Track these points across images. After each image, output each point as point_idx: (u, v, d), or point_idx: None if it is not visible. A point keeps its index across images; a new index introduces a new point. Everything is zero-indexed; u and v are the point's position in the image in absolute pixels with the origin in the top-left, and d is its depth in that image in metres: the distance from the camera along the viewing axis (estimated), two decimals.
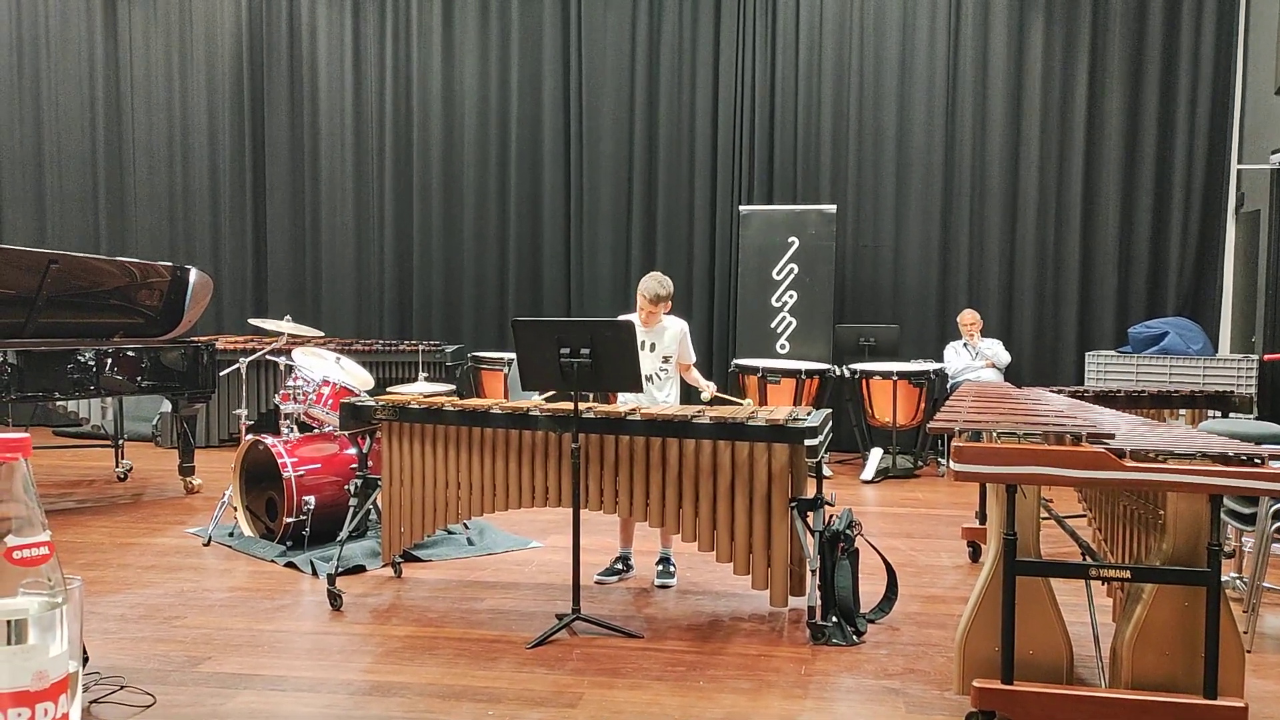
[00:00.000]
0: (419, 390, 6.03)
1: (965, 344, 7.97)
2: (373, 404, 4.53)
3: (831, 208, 8.28)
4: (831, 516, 4.18)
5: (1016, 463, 2.91)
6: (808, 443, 3.96)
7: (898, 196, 8.67)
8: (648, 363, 4.77)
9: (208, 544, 5.34)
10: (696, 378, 4.99)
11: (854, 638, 3.95)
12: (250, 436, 5.44)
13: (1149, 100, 8.34)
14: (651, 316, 4.74)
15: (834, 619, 3.98)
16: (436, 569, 4.97)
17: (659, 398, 4.81)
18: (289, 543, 5.15)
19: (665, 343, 4.82)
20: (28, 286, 6.01)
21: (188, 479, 6.68)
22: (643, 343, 4.75)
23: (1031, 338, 8.56)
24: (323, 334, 6.88)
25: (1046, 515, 4.24)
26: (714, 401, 4.99)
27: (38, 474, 7.15)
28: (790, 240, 8.22)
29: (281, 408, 5.56)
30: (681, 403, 4.90)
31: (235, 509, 5.47)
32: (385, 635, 3.98)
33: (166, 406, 8.28)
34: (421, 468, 4.43)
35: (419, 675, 3.56)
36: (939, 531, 5.86)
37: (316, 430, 5.61)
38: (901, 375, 7.61)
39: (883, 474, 7.55)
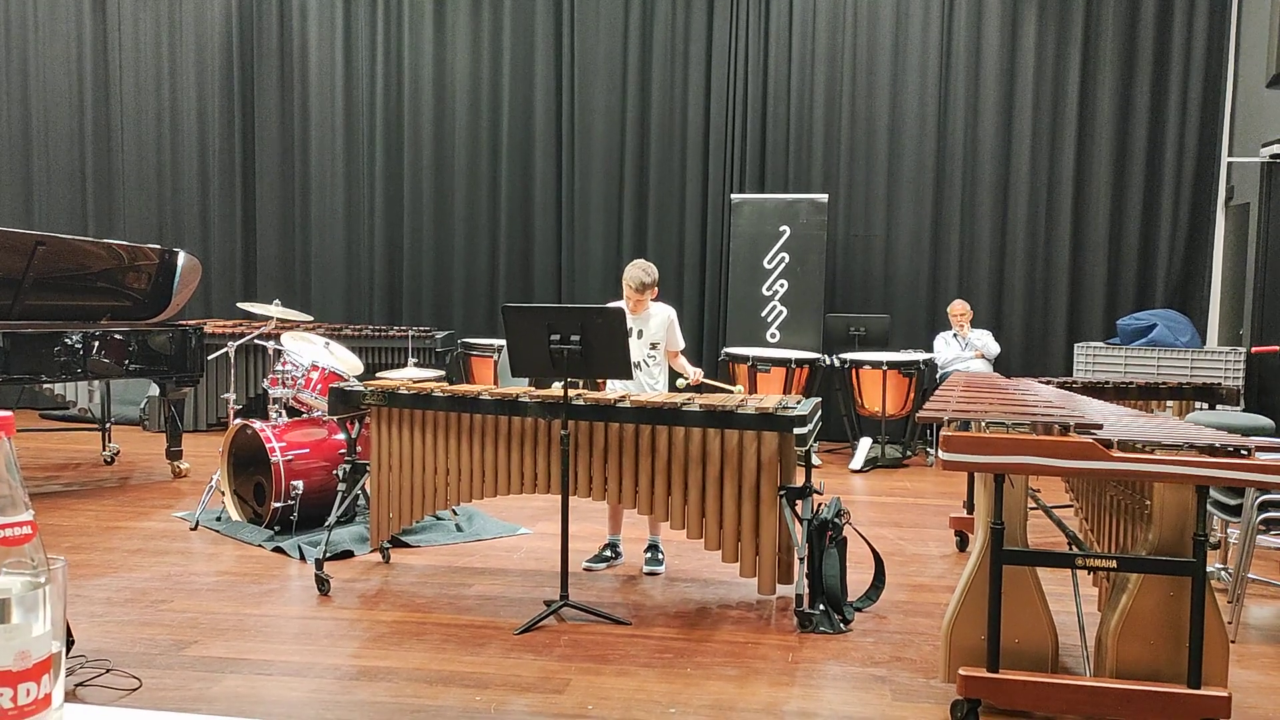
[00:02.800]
0: (408, 376, 6.01)
1: (955, 334, 7.98)
2: (362, 389, 4.51)
3: (823, 197, 8.27)
4: (820, 505, 4.19)
5: (1004, 452, 2.92)
6: (797, 431, 3.97)
7: (889, 187, 8.67)
8: (635, 350, 4.76)
9: (195, 528, 5.32)
10: (683, 364, 4.98)
11: (841, 626, 3.97)
12: (238, 421, 5.42)
13: (1140, 92, 8.35)
14: (639, 304, 4.74)
15: (821, 607, 3.99)
16: (425, 555, 4.96)
17: (648, 385, 4.81)
18: (277, 528, 5.14)
19: (652, 330, 4.82)
20: (14, 268, 5.97)
21: (175, 463, 6.65)
22: (630, 330, 4.75)
23: (1021, 328, 8.59)
24: (312, 318, 6.86)
25: (1034, 505, 4.25)
26: (703, 388, 4.99)
27: (24, 457, 7.13)
28: (782, 229, 8.22)
29: (270, 392, 5.54)
30: (670, 390, 4.91)
31: (223, 493, 5.45)
32: (373, 620, 3.98)
33: (154, 390, 8.25)
34: (410, 453, 4.42)
35: (406, 660, 3.56)
36: (927, 521, 5.88)
37: (305, 415, 5.60)
38: (891, 365, 7.62)
39: (871, 463, 7.56)
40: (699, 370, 5.00)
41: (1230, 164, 8.19)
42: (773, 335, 8.25)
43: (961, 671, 3.03)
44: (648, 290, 4.72)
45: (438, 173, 9.34)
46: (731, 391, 4.80)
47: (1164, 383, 5.81)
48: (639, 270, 4.72)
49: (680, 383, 4.95)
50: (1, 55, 9.73)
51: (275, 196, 9.56)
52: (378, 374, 5.45)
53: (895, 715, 3.20)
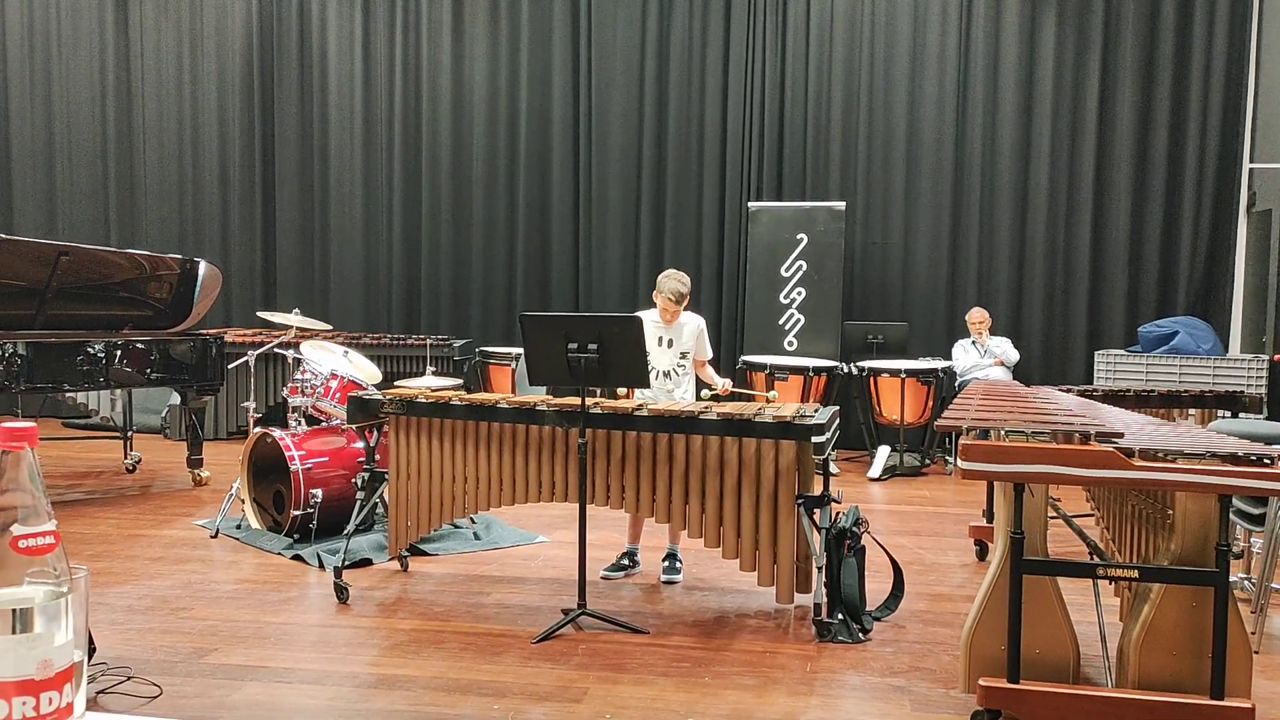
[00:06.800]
0: (426, 384, 6.02)
1: (974, 342, 7.95)
2: (380, 398, 4.53)
3: (841, 205, 8.26)
4: (838, 514, 4.18)
5: (1024, 461, 2.90)
6: (814, 440, 3.96)
7: (907, 194, 8.65)
8: (665, 359, 4.78)
9: (215, 536, 5.35)
10: (711, 375, 4.98)
11: (859, 635, 3.95)
12: (258, 429, 5.45)
13: (1160, 99, 8.30)
14: (673, 315, 4.75)
15: (839, 616, 3.97)
16: (443, 563, 4.97)
17: (676, 394, 4.81)
18: (296, 536, 5.16)
19: (684, 339, 4.82)
20: (38, 278, 6.03)
21: (196, 471, 6.70)
22: (661, 339, 4.76)
23: (1041, 336, 8.54)
24: (331, 327, 6.89)
25: (1054, 514, 4.23)
26: (734, 398, 4.97)
27: (47, 465, 7.18)
28: (799, 237, 8.21)
29: (289, 401, 5.56)
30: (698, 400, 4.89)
31: (243, 501, 5.48)
32: (391, 629, 3.99)
33: (175, 399, 8.31)
34: (428, 462, 4.44)
35: (424, 669, 3.57)
36: (946, 529, 5.85)
37: (324, 424, 5.62)
38: (909, 373, 7.59)
39: (890, 472, 7.53)
40: (728, 381, 4.99)
41: (1252, 170, 8.14)
42: (790, 343, 8.24)
43: (981, 682, 3.01)
44: (683, 301, 4.74)
45: (456, 182, 9.38)
46: (767, 399, 4.77)
47: (1186, 391, 5.76)
48: (675, 281, 4.72)
49: (705, 393, 4.94)
50: (25, 66, 9.84)
51: (295, 206, 9.62)
52: (396, 383, 5.46)
53: None
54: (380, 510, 5.40)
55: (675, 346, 4.81)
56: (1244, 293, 8.19)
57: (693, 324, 4.86)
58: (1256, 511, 4.03)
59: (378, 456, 4.64)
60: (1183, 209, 8.30)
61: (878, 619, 4.15)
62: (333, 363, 5.61)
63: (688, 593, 4.56)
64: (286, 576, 4.68)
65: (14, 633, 0.85)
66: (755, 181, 8.84)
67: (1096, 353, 8.13)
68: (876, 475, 7.44)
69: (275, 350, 6.28)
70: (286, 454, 5.17)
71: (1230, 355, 7.84)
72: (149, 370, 6.34)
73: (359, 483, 4.58)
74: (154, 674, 3.45)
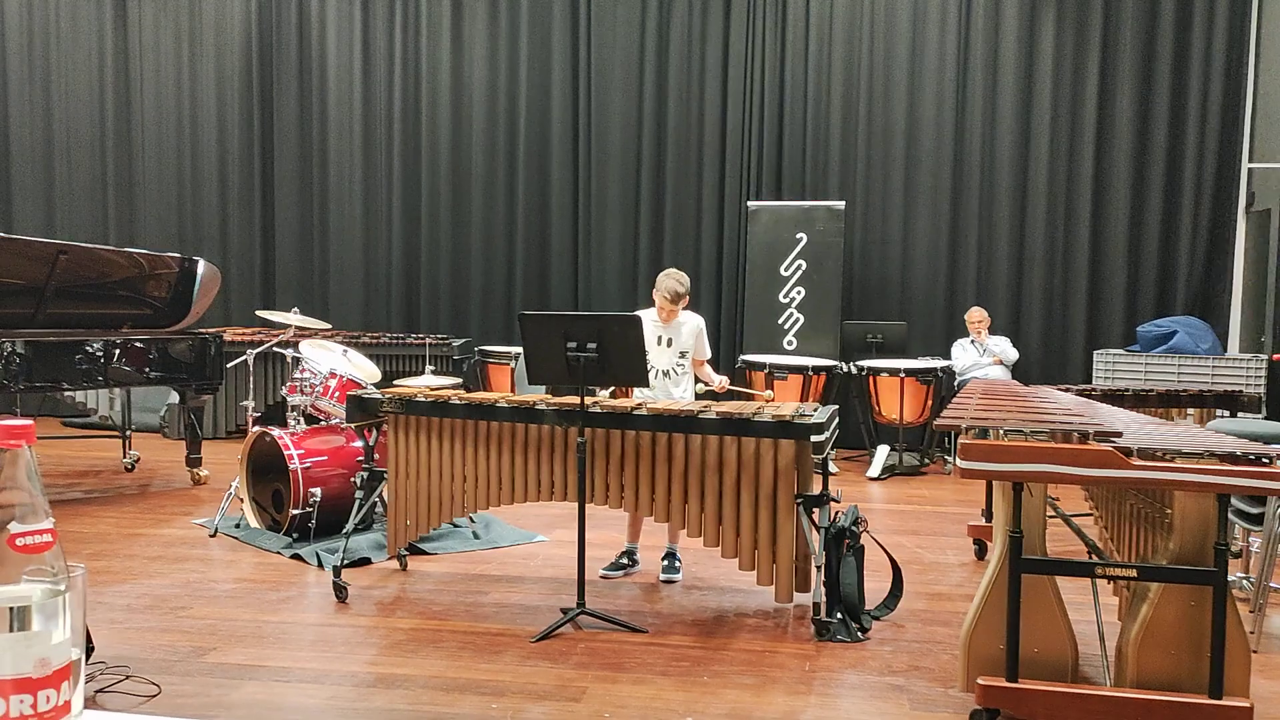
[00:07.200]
0: (425, 383, 6.02)
1: (973, 341, 7.95)
2: (379, 397, 4.53)
3: (840, 204, 8.26)
4: (837, 513, 4.18)
5: (1023, 460, 2.90)
6: (814, 439, 3.96)
7: (906, 193, 8.65)
8: (664, 359, 4.78)
9: (214, 535, 5.35)
10: (709, 373, 4.98)
11: (858, 634, 3.95)
12: (257, 428, 5.45)
13: (1160, 98, 8.30)
14: (671, 314, 4.75)
15: (838, 615, 3.97)
16: (442, 562, 4.97)
17: (675, 394, 4.81)
18: (295, 535, 5.16)
19: (683, 338, 4.82)
20: (37, 277, 6.03)
21: (195, 470, 6.69)
22: (660, 339, 4.76)
23: (1040, 335, 8.54)
24: (330, 326, 6.88)
25: (1053, 513, 4.23)
26: (732, 395, 4.98)
27: (46, 464, 7.18)
28: (798, 236, 8.21)
29: (288, 400, 5.56)
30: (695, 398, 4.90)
31: (242, 500, 5.48)
32: (390, 628, 3.99)
33: (174, 398, 8.31)
34: (428, 461, 4.44)
35: (423, 668, 3.57)
36: (945, 529, 5.85)
37: (323, 422, 5.62)
38: (909, 372, 7.59)
39: (889, 471, 7.53)
40: (724, 378, 4.99)
41: (1251, 170, 8.14)
42: (790, 343, 8.24)
43: (980, 681, 3.01)
44: (681, 300, 4.74)
45: (455, 181, 9.38)
46: (765, 397, 4.78)
47: (1185, 390, 5.76)
48: (673, 281, 4.72)
49: (699, 388, 4.95)
50: (24, 64, 9.84)
51: (294, 205, 9.62)
52: (395, 382, 5.47)
53: None
54: (379, 509, 5.39)
55: (675, 346, 4.81)
56: (1242, 292, 8.20)
57: (692, 323, 4.86)
58: (1255, 511, 4.03)
59: (377, 455, 4.64)
60: (1181, 208, 8.30)
61: (876, 618, 4.15)
62: (332, 361, 5.61)
63: (687, 592, 4.56)
64: (285, 575, 4.68)
65: (11, 631, 0.85)
66: (755, 181, 8.84)
67: (1095, 352, 8.13)
68: (875, 474, 7.44)
69: (274, 349, 6.28)
70: (285, 453, 5.17)
71: (1229, 355, 7.85)
72: (148, 369, 6.33)
73: (358, 482, 4.58)
74: (152, 673, 3.45)
